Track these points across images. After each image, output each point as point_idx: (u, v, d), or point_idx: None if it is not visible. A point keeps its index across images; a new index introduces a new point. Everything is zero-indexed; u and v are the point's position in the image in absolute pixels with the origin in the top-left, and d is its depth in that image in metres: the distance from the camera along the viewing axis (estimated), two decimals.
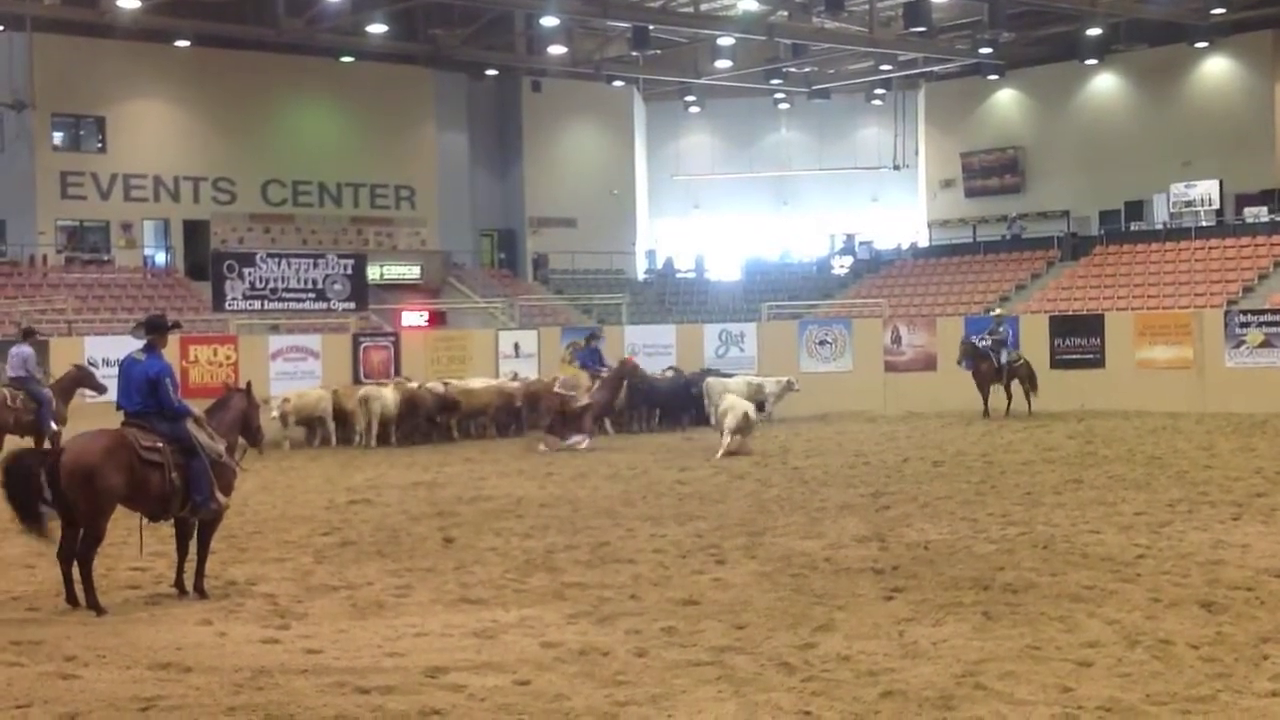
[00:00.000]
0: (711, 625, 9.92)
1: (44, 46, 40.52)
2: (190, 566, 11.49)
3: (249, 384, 12.60)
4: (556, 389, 24.98)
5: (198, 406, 11.93)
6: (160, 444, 11.10)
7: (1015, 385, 28.83)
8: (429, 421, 26.53)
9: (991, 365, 28.68)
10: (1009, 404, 28.78)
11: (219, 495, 11.40)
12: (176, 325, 12.61)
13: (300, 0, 41.07)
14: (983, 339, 29.04)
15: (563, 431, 24.29)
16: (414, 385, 26.53)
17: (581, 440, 24.16)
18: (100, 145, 43.49)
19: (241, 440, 12.26)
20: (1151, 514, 14.73)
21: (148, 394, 11.22)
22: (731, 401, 23.03)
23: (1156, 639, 9.13)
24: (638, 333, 33.45)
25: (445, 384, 27.07)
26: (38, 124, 41.43)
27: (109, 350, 25.20)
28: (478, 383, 27.94)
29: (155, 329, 11.64)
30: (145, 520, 11.55)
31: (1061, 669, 8.48)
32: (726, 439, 22.12)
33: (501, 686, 8.38)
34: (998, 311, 31.46)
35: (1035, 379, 28.92)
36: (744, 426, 22.17)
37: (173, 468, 11.09)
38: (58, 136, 42.98)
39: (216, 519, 11.63)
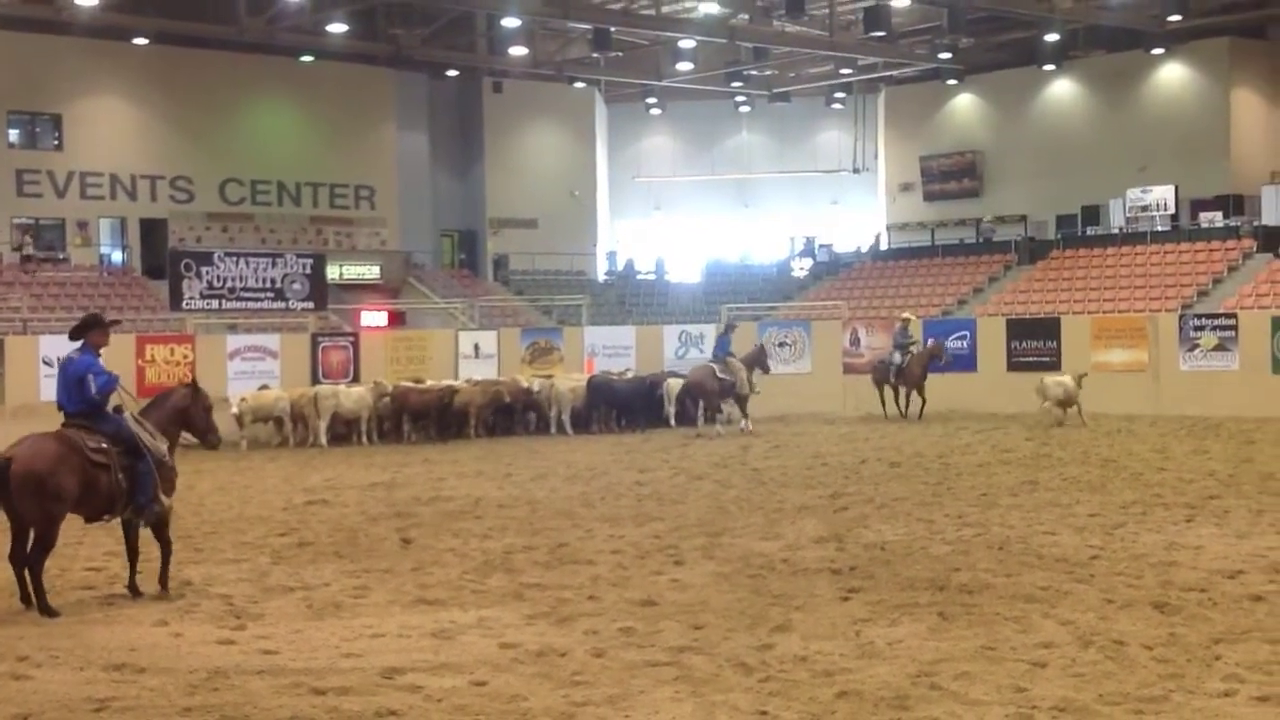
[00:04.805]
0: (669, 626, 9.94)
1: (0, 43, 40.09)
2: (145, 567, 11.40)
3: (194, 379, 12.49)
4: (719, 374, 26.15)
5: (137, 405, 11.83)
6: (105, 445, 10.95)
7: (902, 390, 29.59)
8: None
9: (885, 368, 29.64)
10: (887, 406, 29.52)
11: (162, 497, 11.28)
12: (115, 322, 12.50)
13: None
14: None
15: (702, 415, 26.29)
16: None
17: (747, 423, 26.46)
18: (57, 143, 43.08)
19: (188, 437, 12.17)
20: (1106, 516, 14.85)
21: (82, 392, 11.11)
22: (1053, 379, 26.54)
23: (1110, 640, 9.21)
24: (598, 334, 33.34)
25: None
26: None
27: (64, 349, 24.91)
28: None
29: (83, 328, 11.49)
30: (85, 521, 11.38)
31: (1016, 669, 8.55)
32: (1051, 411, 25.72)
33: (458, 687, 8.37)
34: (906, 315, 31.85)
35: None
36: (1066, 398, 25.79)
37: (119, 469, 10.96)
38: (13, 134, 42.51)
39: (164, 519, 11.51)
